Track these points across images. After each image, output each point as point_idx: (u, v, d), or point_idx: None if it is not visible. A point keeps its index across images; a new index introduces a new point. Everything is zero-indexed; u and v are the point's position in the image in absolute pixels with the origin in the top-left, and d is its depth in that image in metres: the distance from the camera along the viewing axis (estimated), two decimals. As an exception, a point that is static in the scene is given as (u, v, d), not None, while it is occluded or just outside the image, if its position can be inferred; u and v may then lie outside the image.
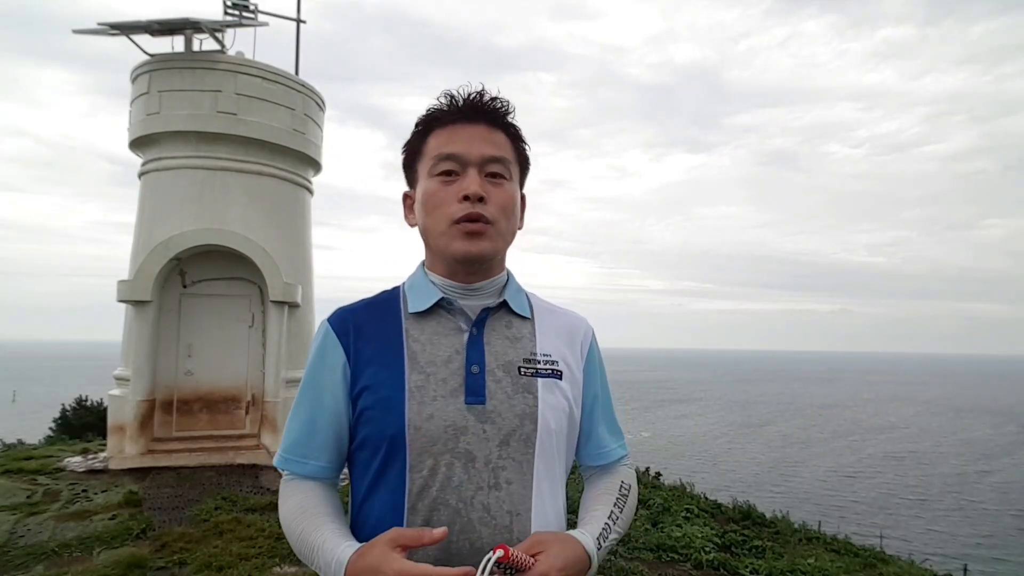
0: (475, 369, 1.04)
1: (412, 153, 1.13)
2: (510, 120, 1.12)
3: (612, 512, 1.11)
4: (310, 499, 1.05)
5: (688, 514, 6.62)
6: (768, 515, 7.67)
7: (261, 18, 8.33)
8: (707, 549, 5.34)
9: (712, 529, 6.11)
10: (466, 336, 1.07)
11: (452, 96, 1.09)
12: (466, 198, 1.03)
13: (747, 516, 7.20)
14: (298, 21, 9.25)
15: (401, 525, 0.98)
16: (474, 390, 1.02)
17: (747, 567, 5.00)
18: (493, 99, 1.09)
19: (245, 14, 8.15)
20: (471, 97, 1.08)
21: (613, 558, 4.78)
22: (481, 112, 1.08)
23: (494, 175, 1.07)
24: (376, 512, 1.02)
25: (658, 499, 7.00)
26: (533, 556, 0.93)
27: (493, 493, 1.00)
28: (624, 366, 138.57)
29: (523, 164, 1.15)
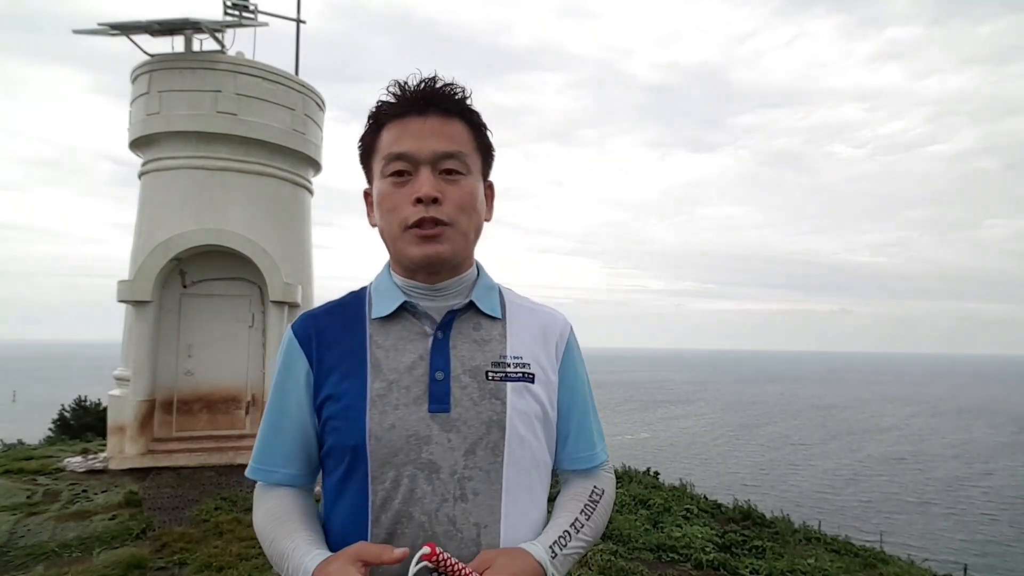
0: (439, 375, 0.99)
1: (366, 150, 1.06)
2: (466, 106, 1.03)
3: (576, 520, 1.04)
4: (282, 505, 1.02)
5: (688, 514, 6.62)
6: (768, 515, 7.68)
7: (261, 18, 8.33)
8: (707, 549, 5.34)
9: (712, 529, 6.12)
10: (431, 341, 1.02)
11: (401, 86, 1.01)
12: (419, 201, 0.97)
13: (747, 516, 7.21)
14: (298, 21, 9.26)
15: (365, 538, 0.96)
16: (438, 397, 0.98)
17: (747, 567, 5.00)
18: (445, 86, 1.01)
19: (245, 14, 8.15)
20: (420, 86, 1.00)
21: (613, 558, 4.77)
22: (431, 102, 1.00)
23: (449, 171, 0.99)
24: (340, 522, 1.00)
25: (658, 499, 7.00)
26: (481, 574, 0.89)
27: (459, 505, 0.95)
28: (623, 366, 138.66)
29: (485, 152, 1.07)
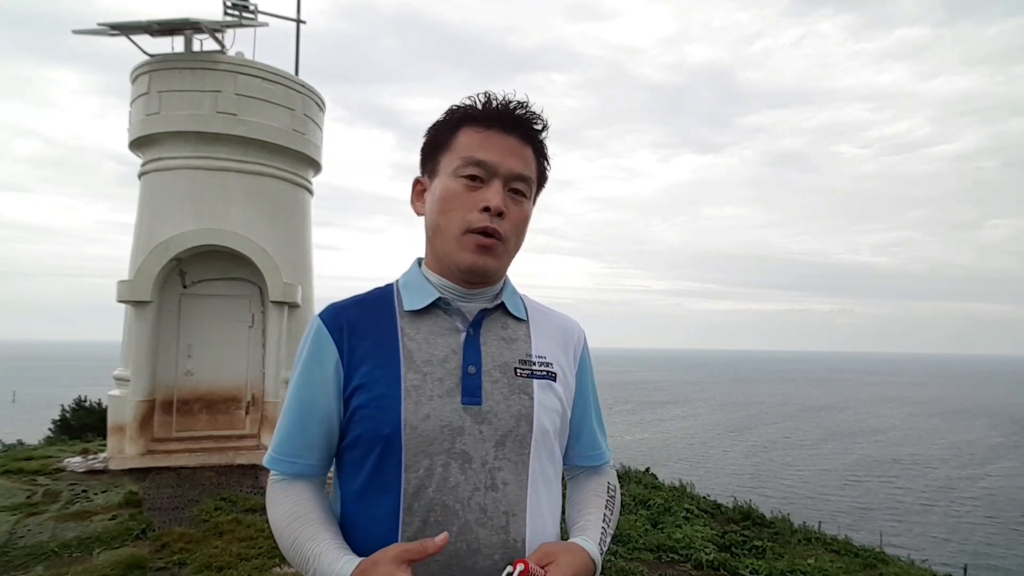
0: (472, 369, 1.03)
1: (438, 143, 1.10)
2: (542, 139, 1.11)
3: (604, 515, 1.13)
4: (302, 503, 1.03)
5: (688, 514, 6.63)
6: (768, 515, 7.69)
7: (261, 18, 8.33)
8: (707, 549, 5.35)
9: (712, 529, 6.12)
10: (463, 336, 1.06)
11: (494, 99, 1.06)
12: (486, 210, 1.02)
13: (747, 516, 7.22)
14: (298, 21, 9.26)
15: (396, 526, 0.97)
16: (471, 390, 1.02)
17: (747, 567, 5.00)
18: (532, 114, 1.08)
19: (245, 14, 8.15)
20: (513, 106, 1.06)
21: (613, 558, 4.78)
22: (519, 124, 1.06)
23: (516, 191, 1.06)
24: (369, 512, 1.01)
25: (658, 499, 7.00)
26: (543, 567, 0.94)
27: (490, 494, 0.99)
28: (622, 366, 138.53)
29: (541, 182, 1.15)
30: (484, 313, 1.09)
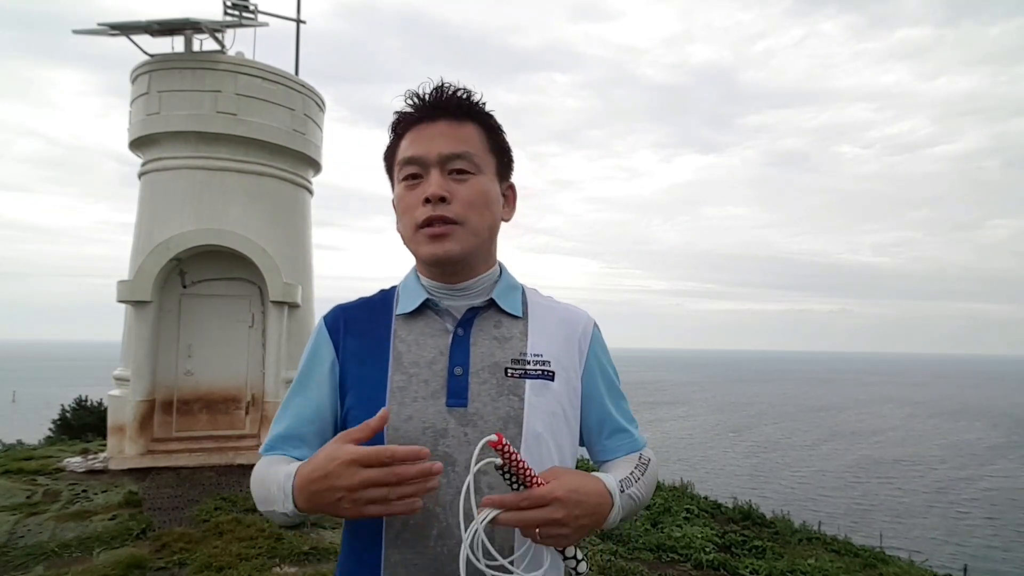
0: (458, 371, 1.02)
1: (390, 162, 1.11)
2: (478, 109, 1.06)
3: (633, 472, 1.05)
4: (284, 460, 1.03)
5: (688, 514, 6.63)
6: (768, 515, 7.68)
7: (261, 18, 8.33)
8: (707, 549, 5.35)
9: (712, 529, 6.12)
10: (451, 337, 1.05)
11: (416, 95, 1.05)
12: (427, 201, 1.00)
13: (747, 516, 7.21)
14: (298, 21, 9.26)
15: (379, 527, 0.98)
16: (456, 392, 1.00)
17: (747, 567, 5.00)
18: (454, 92, 1.04)
19: (245, 14, 8.15)
20: (429, 95, 1.05)
21: (613, 558, 4.77)
22: (440, 108, 1.04)
23: (460, 172, 1.02)
24: None
25: (658, 499, 7.01)
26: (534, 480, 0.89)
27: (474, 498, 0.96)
28: (622, 366, 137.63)
29: (500, 154, 1.10)
30: (475, 312, 1.07)
